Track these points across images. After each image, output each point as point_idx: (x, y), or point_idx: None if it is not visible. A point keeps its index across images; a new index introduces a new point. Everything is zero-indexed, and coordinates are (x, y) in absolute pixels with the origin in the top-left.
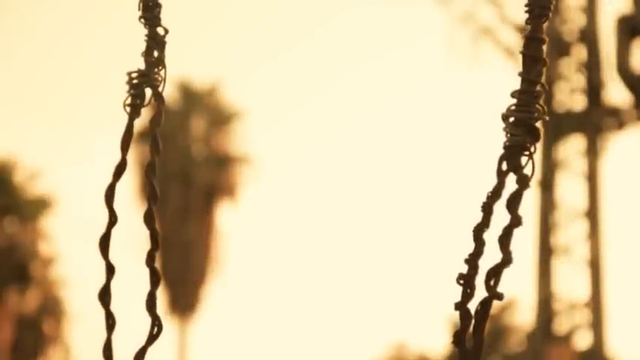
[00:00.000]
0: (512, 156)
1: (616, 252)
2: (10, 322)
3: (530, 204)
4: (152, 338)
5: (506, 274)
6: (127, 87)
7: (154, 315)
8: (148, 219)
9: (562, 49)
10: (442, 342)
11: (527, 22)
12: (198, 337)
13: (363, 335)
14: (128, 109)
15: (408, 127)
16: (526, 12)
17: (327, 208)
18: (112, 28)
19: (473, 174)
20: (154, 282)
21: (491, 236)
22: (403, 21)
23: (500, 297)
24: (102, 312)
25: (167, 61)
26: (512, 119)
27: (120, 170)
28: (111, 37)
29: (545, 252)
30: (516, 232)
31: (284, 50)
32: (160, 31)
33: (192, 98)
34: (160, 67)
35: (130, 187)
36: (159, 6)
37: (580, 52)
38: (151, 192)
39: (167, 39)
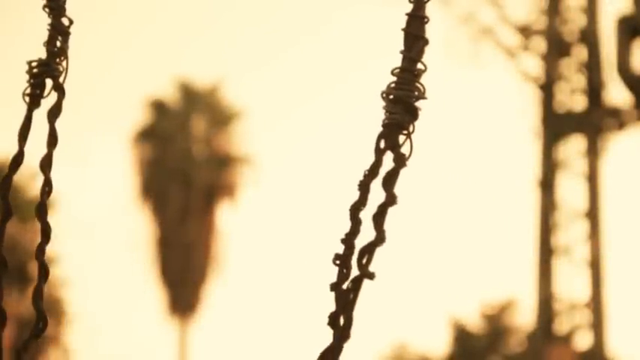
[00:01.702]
0: (390, 134)
1: (616, 252)
2: (10, 322)
3: (531, 205)
4: (37, 333)
5: (506, 274)
6: (27, 76)
7: (39, 309)
8: (40, 213)
9: (562, 49)
10: (442, 342)
11: (409, 0)
12: (199, 337)
13: (363, 335)
14: (27, 99)
15: None
16: None
17: (327, 208)
18: (111, 28)
19: (472, 173)
20: (42, 276)
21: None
22: (404, 21)
23: (371, 276)
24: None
25: (167, 61)
26: (391, 97)
27: (17, 162)
28: (110, 37)
29: (546, 252)
30: (391, 210)
31: (284, 50)
32: (65, 21)
33: (193, 98)
34: (62, 58)
35: (127, 188)
36: None
37: (580, 53)
38: (45, 185)
39: (72, 30)
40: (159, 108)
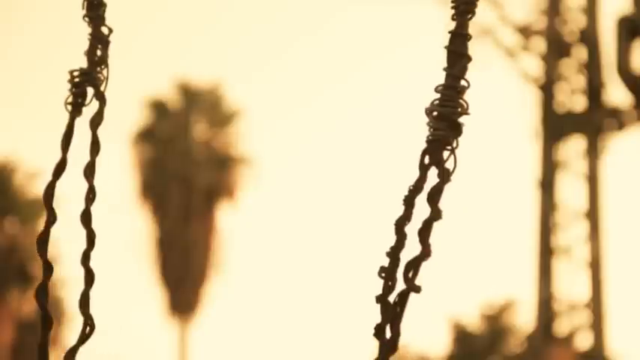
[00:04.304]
0: (434, 150)
1: (616, 253)
2: (10, 323)
3: (531, 205)
4: (83, 338)
5: (506, 274)
6: (68, 85)
7: (87, 314)
8: (85, 219)
9: (562, 49)
10: (442, 342)
11: (452, 18)
12: (198, 337)
13: (363, 335)
14: (69, 107)
15: (408, 127)
16: (451, 8)
17: (327, 208)
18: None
19: (472, 173)
20: (88, 282)
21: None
22: (403, 20)
23: (417, 290)
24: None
25: (167, 61)
26: (435, 114)
27: (60, 169)
28: (109, 37)
29: (546, 253)
30: (436, 225)
31: (284, 50)
32: (104, 30)
33: (193, 98)
34: (103, 67)
35: (126, 189)
36: (103, 5)
37: (580, 53)
38: (89, 192)
39: (111, 38)
40: (159, 108)
